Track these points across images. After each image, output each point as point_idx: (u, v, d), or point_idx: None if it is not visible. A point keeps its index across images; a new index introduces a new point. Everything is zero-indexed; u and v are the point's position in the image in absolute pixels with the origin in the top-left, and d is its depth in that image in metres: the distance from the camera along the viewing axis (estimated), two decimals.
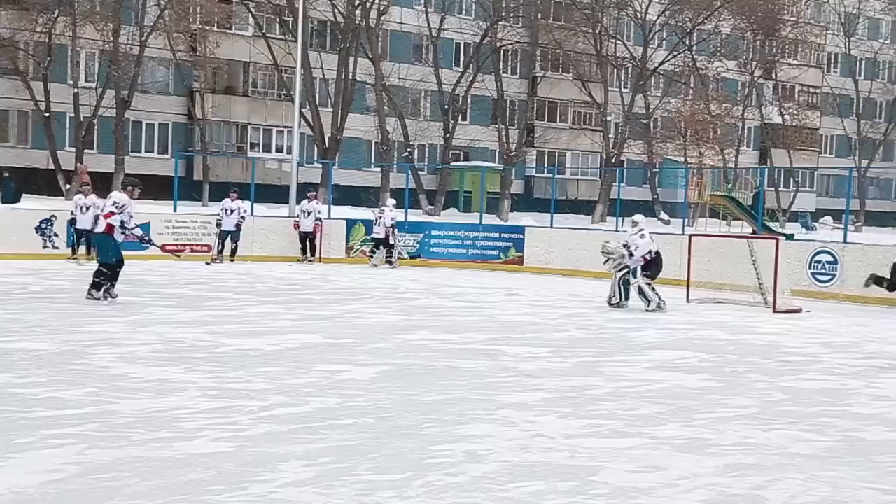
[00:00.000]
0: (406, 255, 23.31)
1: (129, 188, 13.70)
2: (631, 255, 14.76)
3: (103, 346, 9.06)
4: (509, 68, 47.92)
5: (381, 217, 22.65)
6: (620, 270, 14.92)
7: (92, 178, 23.68)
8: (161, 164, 39.33)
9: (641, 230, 14.99)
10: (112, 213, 13.21)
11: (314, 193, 24.12)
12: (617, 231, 21.31)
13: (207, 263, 21.15)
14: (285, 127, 40.82)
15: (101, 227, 13.41)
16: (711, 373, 8.90)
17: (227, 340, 9.77)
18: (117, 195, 13.55)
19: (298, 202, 24.57)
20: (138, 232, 13.90)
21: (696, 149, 45.77)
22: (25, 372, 7.64)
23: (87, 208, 19.85)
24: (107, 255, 13.32)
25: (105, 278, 13.17)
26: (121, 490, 4.72)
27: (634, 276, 14.71)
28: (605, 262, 15.49)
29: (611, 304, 14.84)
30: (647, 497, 4.93)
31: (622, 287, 14.84)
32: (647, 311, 14.32)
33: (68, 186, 33.79)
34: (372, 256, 22.69)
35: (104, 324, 10.74)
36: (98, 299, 12.98)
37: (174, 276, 17.59)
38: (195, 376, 7.73)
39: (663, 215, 44.31)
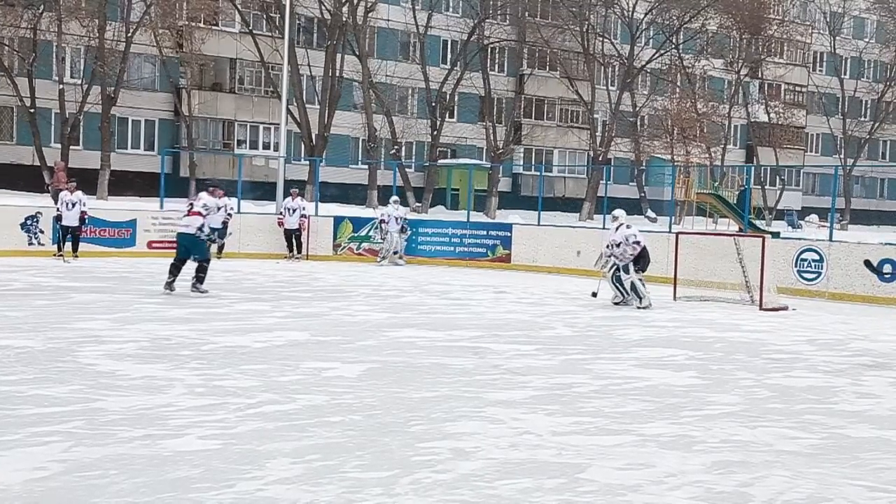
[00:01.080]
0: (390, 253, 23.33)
1: (211, 189, 14.90)
2: (638, 242, 14.76)
3: (89, 344, 9.03)
4: (496, 66, 47.95)
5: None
6: (610, 269, 14.95)
7: (69, 176, 23.55)
8: (147, 161, 39.22)
9: (621, 224, 15.02)
10: (199, 213, 14.07)
11: (297, 190, 24.09)
12: (604, 228, 21.31)
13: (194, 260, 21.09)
14: (272, 124, 40.76)
15: (192, 229, 14.09)
16: (698, 370, 8.92)
17: (214, 338, 9.74)
18: (206, 198, 14.49)
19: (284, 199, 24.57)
20: (206, 231, 14.50)
21: (683, 147, 45.93)
22: (11, 369, 7.60)
23: (73, 205, 19.79)
24: (203, 252, 14.22)
25: (205, 273, 14.13)
26: (107, 488, 4.70)
27: (626, 273, 14.70)
28: (595, 263, 15.51)
29: (615, 304, 14.81)
30: (634, 494, 4.94)
31: (617, 284, 14.82)
32: (638, 307, 14.35)
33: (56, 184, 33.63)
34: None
35: (90, 321, 10.69)
36: (204, 292, 13.91)
37: (160, 274, 17.48)
38: (182, 373, 7.71)
39: (650, 213, 44.43)
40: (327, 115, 39.62)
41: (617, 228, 15.05)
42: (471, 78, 43.93)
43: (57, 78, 35.88)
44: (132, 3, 37.03)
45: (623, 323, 12.61)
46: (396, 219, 22.74)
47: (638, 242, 14.79)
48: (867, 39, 58.06)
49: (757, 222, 32.41)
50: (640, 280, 14.72)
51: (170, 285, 14.00)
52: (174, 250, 21.57)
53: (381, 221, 22.99)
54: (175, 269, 14.10)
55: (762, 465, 5.59)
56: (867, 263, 13.94)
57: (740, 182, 36.52)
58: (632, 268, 14.70)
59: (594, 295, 14.99)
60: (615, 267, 14.85)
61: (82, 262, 19.27)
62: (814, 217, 47.62)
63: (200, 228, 14.06)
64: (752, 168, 48.17)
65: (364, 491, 4.80)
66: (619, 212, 15.46)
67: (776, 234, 24.66)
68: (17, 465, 5.00)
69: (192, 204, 14.55)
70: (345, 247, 23.90)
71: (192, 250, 14.14)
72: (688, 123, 45.70)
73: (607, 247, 15.14)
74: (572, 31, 44.97)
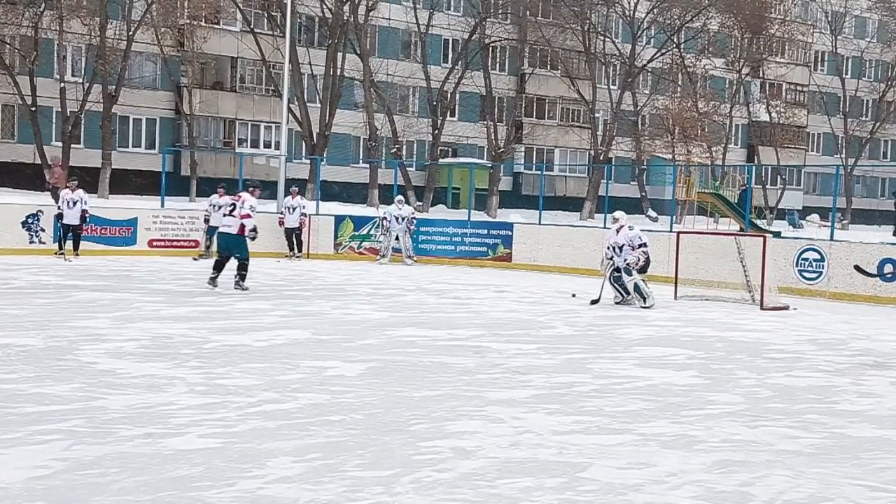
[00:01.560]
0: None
1: (251, 189, 15.20)
2: (644, 244, 14.75)
3: (90, 342, 9.03)
4: (497, 65, 47.93)
5: None
6: (608, 270, 14.93)
7: (69, 174, 23.55)
8: (148, 160, 39.24)
9: (622, 226, 15.01)
10: (248, 216, 14.55)
11: (296, 189, 24.10)
12: (605, 227, 21.31)
13: (195, 259, 21.12)
14: (273, 123, 40.76)
15: (235, 229, 14.56)
16: (699, 370, 8.92)
17: (215, 336, 9.74)
18: (249, 198, 14.82)
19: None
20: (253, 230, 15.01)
21: (684, 146, 45.88)
22: (11, 367, 7.60)
23: (74, 203, 19.80)
24: (245, 252, 14.71)
25: (246, 271, 14.71)
26: (108, 486, 4.70)
27: (629, 274, 14.67)
28: (600, 264, 15.47)
29: (616, 303, 14.78)
30: (635, 493, 4.93)
31: (617, 285, 14.80)
32: (642, 307, 14.34)
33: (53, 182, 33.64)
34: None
35: (91, 319, 10.70)
36: (245, 290, 14.47)
37: (161, 272, 17.55)
38: (182, 372, 7.71)
39: (651, 213, 44.38)
40: (328, 113, 39.62)
41: (618, 230, 15.02)
42: (472, 77, 43.93)
43: (58, 76, 35.87)
44: (133, 2, 37.03)
45: (624, 322, 12.60)
46: (398, 218, 22.73)
47: (644, 244, 14.78)
48: (868, 39, 58.00)
49: (758, 222, 32.34)
50: (643, 280, 14.71)
51: (213, 280, 14.63)
52: (177, 249, 21.97)
53: (382, 219, 23.04)
54: (219, 266, 14.77)
55: (763, 464, 5.58)
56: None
57: (741, 181, 36.43)
58: (634, 269, 14.68)
59: (594, 303, 14.78)
60: (614, 267, 14.83)
61: (83, 260, 19.28)
62: (815, 217, 47.58)
63: (254, 230, 14.68)
64: (754, 167, 48.12)
65: (365, 490, 4.79)
66: (619, 213, 15.44)
67: (777, 234, 24.62)
68: (19, 464, 5.00)
69: (233, 205, 14.90)
70: (346, 246, 23.90)
71: (234, 250, 14.71)
72: (689, 123, 45.64)
73: (608, 248, 15.12)
74: (573, 31, 44.95)
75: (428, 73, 42.77)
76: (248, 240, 14.68)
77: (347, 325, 11.13)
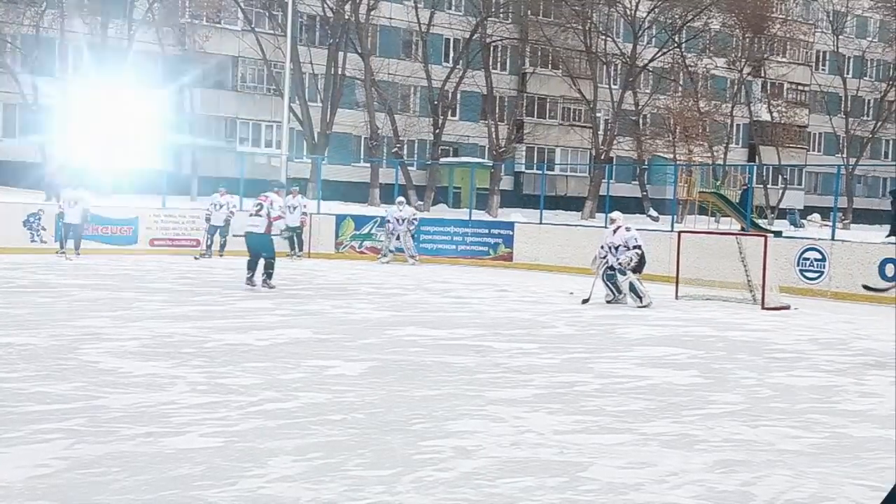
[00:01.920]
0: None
1: (276, 189, 15.76)
2: (638, 246, 14.75)
3: (91, 341, 9.03)
4: (499, 64, 47.91)
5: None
6: (601, 268, 14.93)
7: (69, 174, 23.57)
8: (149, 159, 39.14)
9: (619, 226, 15.00)
10: (280, 217, 15.24)
11: (296, 189, 24.14)
12: (606, 227, 21.29)
13: (196, 258, 21.14)
14: (274, 122, 40.74)
15: (262, 229, 15.00)
16: (700, 369, 8.91)
17: (216, 335, 9.74)
18: (277, 198, 15.40)
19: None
20: (285, 230, 15.96)
21: (685, 146, 45.86)
22: (13, 366, 7.61)
23: (76, 202, 19.81)
24: (271, 251, 15.15)
25: (273, 269, 15.10)
26: (109, 485, 4.70)
27: (623, 274, 14.68)
28: (592, 263, 15.44)
29: (608, 302, 14.78)
30: (635, 493, 4.93)
31: (610, 283, 14.81)
32: (639, 307, 14.33)
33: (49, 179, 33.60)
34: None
35: (92, 318, 10.70)
36: (272, 288, 14.80)
37: (162, 271, 17.56)
38: (184, 371, 7.71)
39: (652, 212, 44.36)
40: (329, 113, 39.63)
41: (615, 231, 15.01)
42: (473, 76, 43.91)
43: (60, 75, 35.85)
44: (135, 1, 37.02)
45: (625, 322, 12.59)
46: (399, 220, 22.73)
47: (639, 246, 14.77)
48: (870, 38, 57.97)
49: (759, 221, 32.31)
50: (638, 279, 14.69)
51: (250, 280, 15.00)
52: (179, 248, 21.99)
53: (386, 222, 23.00)
54: (252, 266, 15.12)
55: (764, 464, 5.58)
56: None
57: (742, 181, 36.40)
58: (626, 268, 14.68)
59: (585, 302, 14.70)
60: (608, 265, 14.81)
61: (84, 259, 19.29)
62: (816, 216, 47.49)
63: (286, 229, 15.32)
64: (755, 167, 48.11)
65: (366, 489, 4.79)
66: (616, 214, 15.46)
67: (778, 234, 24.59)
68: (20, 462, 5.00)
69: (260, 204, 15.17)
70: (347, 245, 23.91)
71: (261, 249, 15.06)
72: (690, 122, 45.65)
73: (602, 248, 15.10)
74: (575, 30, 44.95)
75: (429, 73, 42.76)
76: (274, 239, 15.14)
77: (348, 325, 11.13)
